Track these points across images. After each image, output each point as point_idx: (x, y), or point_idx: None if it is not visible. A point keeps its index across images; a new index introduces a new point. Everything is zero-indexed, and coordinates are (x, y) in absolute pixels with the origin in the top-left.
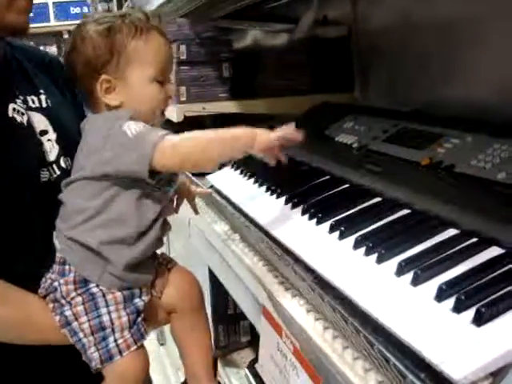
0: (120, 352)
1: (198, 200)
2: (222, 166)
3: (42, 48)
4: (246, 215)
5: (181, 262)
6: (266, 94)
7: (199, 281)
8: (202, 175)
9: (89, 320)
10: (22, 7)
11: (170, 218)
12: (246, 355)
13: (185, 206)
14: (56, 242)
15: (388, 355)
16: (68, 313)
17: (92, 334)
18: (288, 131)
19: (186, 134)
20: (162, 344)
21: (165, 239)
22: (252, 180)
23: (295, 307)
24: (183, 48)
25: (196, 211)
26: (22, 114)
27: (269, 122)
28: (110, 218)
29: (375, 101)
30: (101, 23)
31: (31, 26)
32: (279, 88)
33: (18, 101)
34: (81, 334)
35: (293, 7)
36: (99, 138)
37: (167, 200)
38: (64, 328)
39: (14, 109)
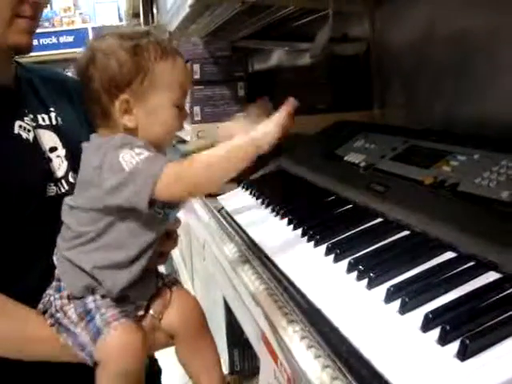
0: (108, 324)
1: (211, 221)
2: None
3: None
4: (249, 238)
5: (200, 284)
6: None
7: (216, 302)
8: (212, 196)
9: (75, 309)
10: (23, 27)
11: (193, 240)
12: None
13: (201, 228)
14: (54, 258)
15: None
16: (64, 321)
17: (81, 320)
18: (284, 113)
19: (187, 161)
20: None
21: (188, 260)
22: (260, 201)
23: (290, 334)
24: (197, 67)
25: None
26: (29, 130)
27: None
28: (106, 244)
29: (394, 119)
30: (126, 39)
31: (73, 51)
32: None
33: (26, 118)
34: (71, 327)
35: (311, 26)
36: (92, 169)
37: (167, 222)
38: (59, 333)
39: (20, 126)
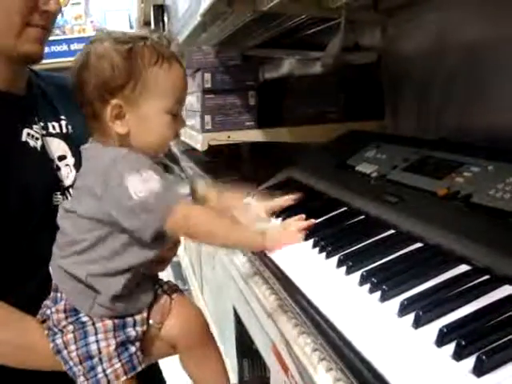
0: (109, 382)
1: None
2: None
3: None
4: None
5: (209, 293)
6: (293, 122)
7: (226, 312)
8: None
9: (77, 349)
10: (34, 36)
11: (202, 249)
12: None
13: None
14: (50, 268)
15: None
16: (59, 341)
17: (80, 362)
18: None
19: (204, 216)
20: None
21: (197, 268)
22: None
23: (301, 346)
24: (208, 76)
25: None
26: (37, 138)
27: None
28: (101, 255)
29: (405, 129)
30: (120, 42)
31: None
32: (307, 116)
33: (36, 126)
34: (71, 363)
35: (322, 35)
36: (97, 179)
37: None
38: (57, 355)
39: (28, 133)
